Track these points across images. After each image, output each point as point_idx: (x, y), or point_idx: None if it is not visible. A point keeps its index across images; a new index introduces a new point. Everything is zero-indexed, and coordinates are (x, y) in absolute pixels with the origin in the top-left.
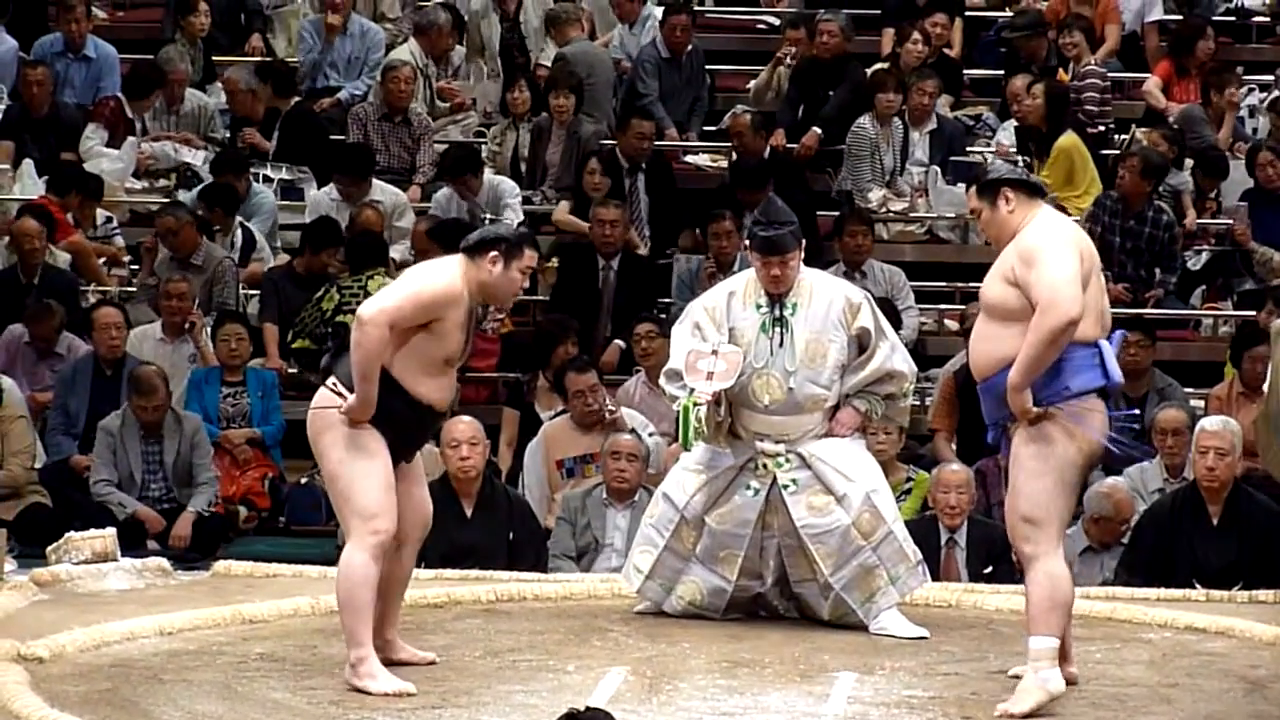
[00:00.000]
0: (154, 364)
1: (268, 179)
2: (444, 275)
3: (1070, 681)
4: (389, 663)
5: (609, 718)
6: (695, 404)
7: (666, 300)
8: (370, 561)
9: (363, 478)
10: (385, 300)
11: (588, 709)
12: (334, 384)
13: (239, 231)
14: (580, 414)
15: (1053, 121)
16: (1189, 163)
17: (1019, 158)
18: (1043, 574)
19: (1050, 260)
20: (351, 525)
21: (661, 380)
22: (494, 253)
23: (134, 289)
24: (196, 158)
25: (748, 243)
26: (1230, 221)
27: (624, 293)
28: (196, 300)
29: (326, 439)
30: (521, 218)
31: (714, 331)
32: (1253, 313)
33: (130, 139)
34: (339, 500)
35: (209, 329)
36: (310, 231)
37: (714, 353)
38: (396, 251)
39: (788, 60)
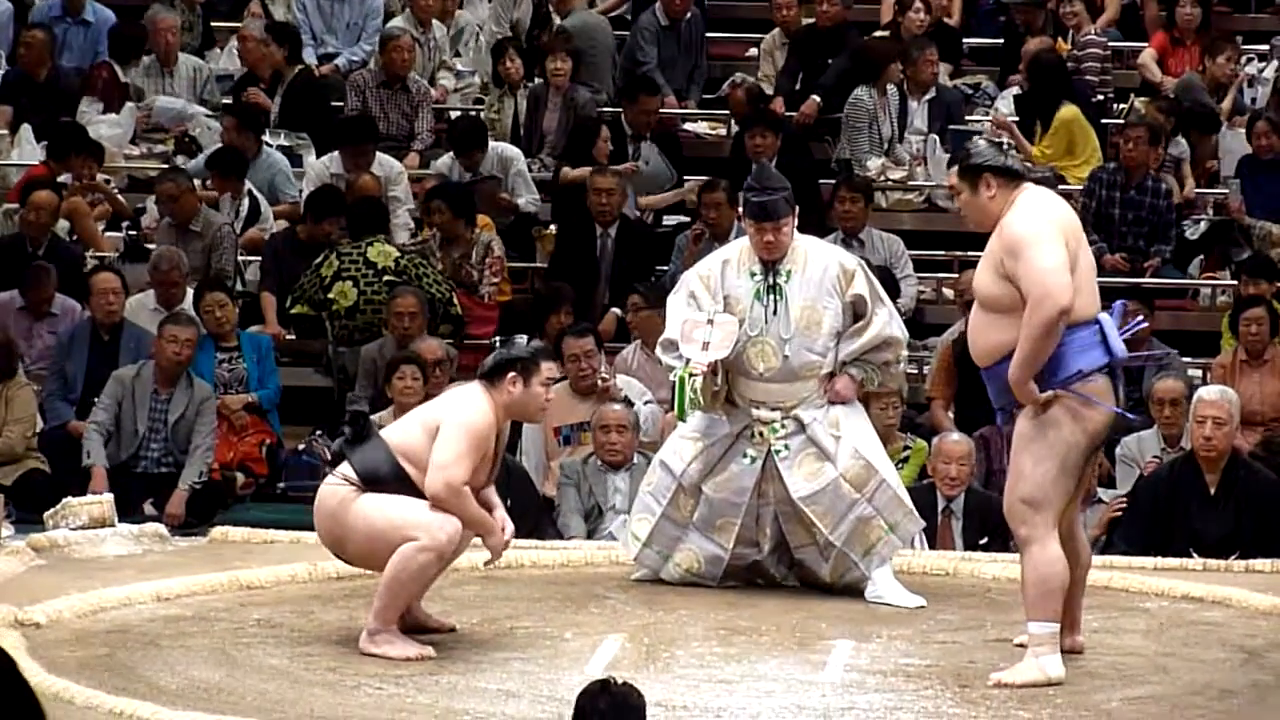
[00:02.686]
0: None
1: (267, 144)
2: (480, 412)
3: (1076, 651)
4: (407, 627)
5: (640, 697)
6: (691, 374)
7: (664, 268)
8: (434, 561)
9: (400, 505)
10: (449, 463)
11: (624, 683)
12: (343, 474)
13: (246, 200)
14: (575, 378)
15: (1042, 87)
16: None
17: (1003, 139)
18: (1038, 559)
19: (1035, 251)
20: (418, 535)
21: (658, 350)
22: (512, 373)
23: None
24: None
25: (741, 209)
26: (1227, 191)
27: (622, 261)
28: (186, 269)
29: (344, 507)
30: (531, 186)
31: (709, 300)
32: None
33: (129, 105)
34: (391, 535)
35: (191, 298)
36: (312, 200)
37: (709, 322)
38: (399, 222)
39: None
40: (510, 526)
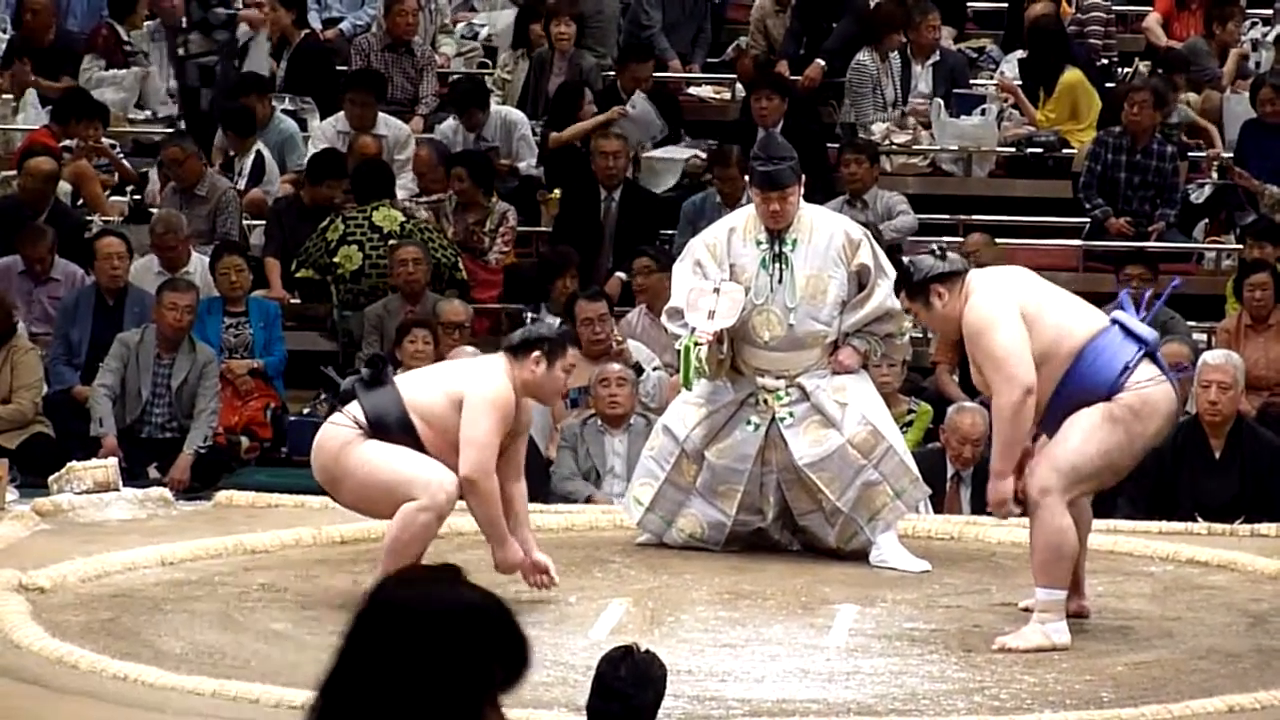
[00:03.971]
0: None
1: (282, 111)
2: (503, 387)
3: (1082, 615)
4: None
5: (661, 666)
6: (696, 343)
7: (669, 232)
8: (435, 521)
9: (403, 458)
10: (482, 441)
11: (646, 651)
12: (351, 415)
13: (251, 157)
14: (587, 342)
15: (1044, 52)
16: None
17: (936, 247)
18: (1050, 526)
19: (990, 338)
20: (418, 494)
21: (664, 318)
22: (537, 353)
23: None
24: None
25: (747, 178)
26: (1232, 154)
27: (626, 225)
28: (185, 231)
29: (346, 450)
30: (534, 150)
31: (715, 268)
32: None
33: (134, 69)
34: (390, 487)
35: (207, 261)
36: (314, 164)
37: (715, 290)
38: (401, 186)
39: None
40: (542, 559)
